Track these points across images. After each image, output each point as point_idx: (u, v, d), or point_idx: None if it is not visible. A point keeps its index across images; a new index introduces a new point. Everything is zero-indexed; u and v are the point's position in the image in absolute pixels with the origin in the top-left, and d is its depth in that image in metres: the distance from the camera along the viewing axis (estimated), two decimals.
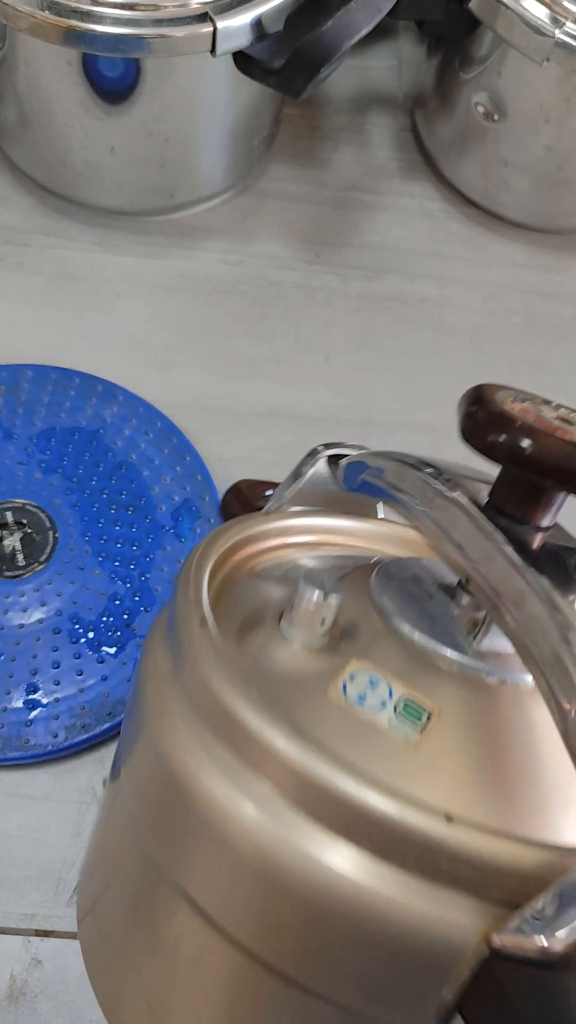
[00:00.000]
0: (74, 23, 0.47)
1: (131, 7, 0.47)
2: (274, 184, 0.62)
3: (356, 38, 0.48)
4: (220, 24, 0.47)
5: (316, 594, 0.27)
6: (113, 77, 0.51)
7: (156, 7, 0.47)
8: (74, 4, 0.47)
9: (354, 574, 0.31)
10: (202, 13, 0.47)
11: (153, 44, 0.47)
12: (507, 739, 0.27)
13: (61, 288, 0.58)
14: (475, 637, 0.28)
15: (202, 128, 0.55)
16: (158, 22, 0.47)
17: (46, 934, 0.43)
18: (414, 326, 0.59)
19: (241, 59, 0.50)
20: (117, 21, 0.47)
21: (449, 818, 0.22)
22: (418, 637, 0.28)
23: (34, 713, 0.45)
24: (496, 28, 0.51)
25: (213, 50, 0.48)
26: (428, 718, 0.26)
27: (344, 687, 0.27)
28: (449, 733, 0.26)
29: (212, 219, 0.61)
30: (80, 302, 0.58)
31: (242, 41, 0.48)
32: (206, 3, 0.47)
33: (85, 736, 0.44)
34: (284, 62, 0.48)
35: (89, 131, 0.53)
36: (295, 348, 0.58)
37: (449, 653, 0.28)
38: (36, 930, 0.43)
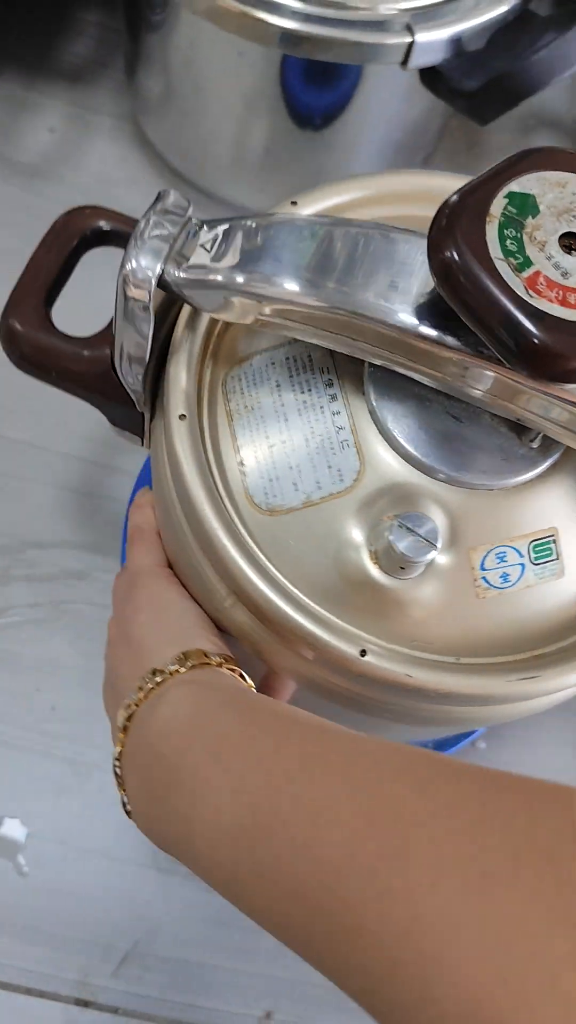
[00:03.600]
0: (258, 14, 0.42)
1: (325, 4, 0.42)
2: None
3: (568, 73, 0.43)
4: (419, 37, 0.42)
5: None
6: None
7: (344, 6, 0.42)
8: None
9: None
10: (402, 22, 0.42)
11: (338, 49, 0.42)
12: None
13: None
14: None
15: (370, 138, 0.50)
16: (348, 24, 0.42)
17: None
18: None
19: (429, 75, 0.44)
20: (302, 16, 0.42)
21: None
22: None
23: None
24: None
25: (405, 62, 0.43)
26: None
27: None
28: None
29: None
30: None
31: (437, 57, 0.43)
32: (406, 10, 0.42)
33: None
34: (479, 86, 0.43)
35: (248, 126, 0.49)
36: None
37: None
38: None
